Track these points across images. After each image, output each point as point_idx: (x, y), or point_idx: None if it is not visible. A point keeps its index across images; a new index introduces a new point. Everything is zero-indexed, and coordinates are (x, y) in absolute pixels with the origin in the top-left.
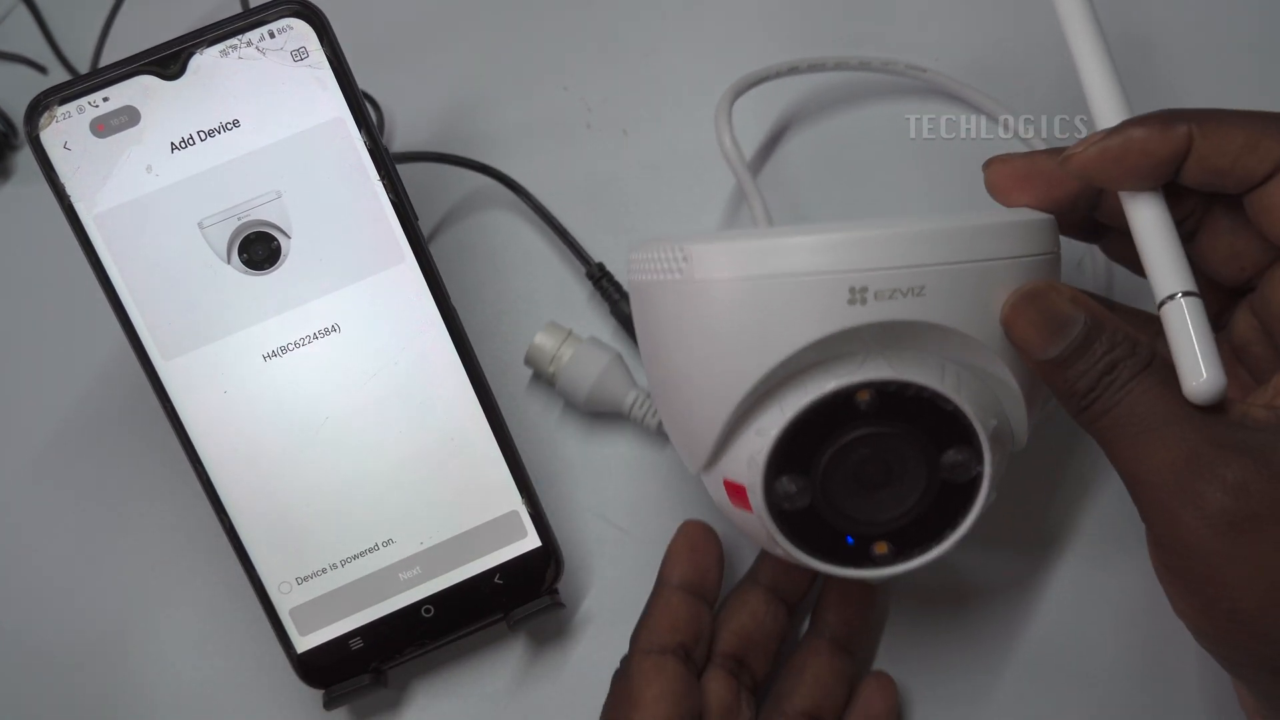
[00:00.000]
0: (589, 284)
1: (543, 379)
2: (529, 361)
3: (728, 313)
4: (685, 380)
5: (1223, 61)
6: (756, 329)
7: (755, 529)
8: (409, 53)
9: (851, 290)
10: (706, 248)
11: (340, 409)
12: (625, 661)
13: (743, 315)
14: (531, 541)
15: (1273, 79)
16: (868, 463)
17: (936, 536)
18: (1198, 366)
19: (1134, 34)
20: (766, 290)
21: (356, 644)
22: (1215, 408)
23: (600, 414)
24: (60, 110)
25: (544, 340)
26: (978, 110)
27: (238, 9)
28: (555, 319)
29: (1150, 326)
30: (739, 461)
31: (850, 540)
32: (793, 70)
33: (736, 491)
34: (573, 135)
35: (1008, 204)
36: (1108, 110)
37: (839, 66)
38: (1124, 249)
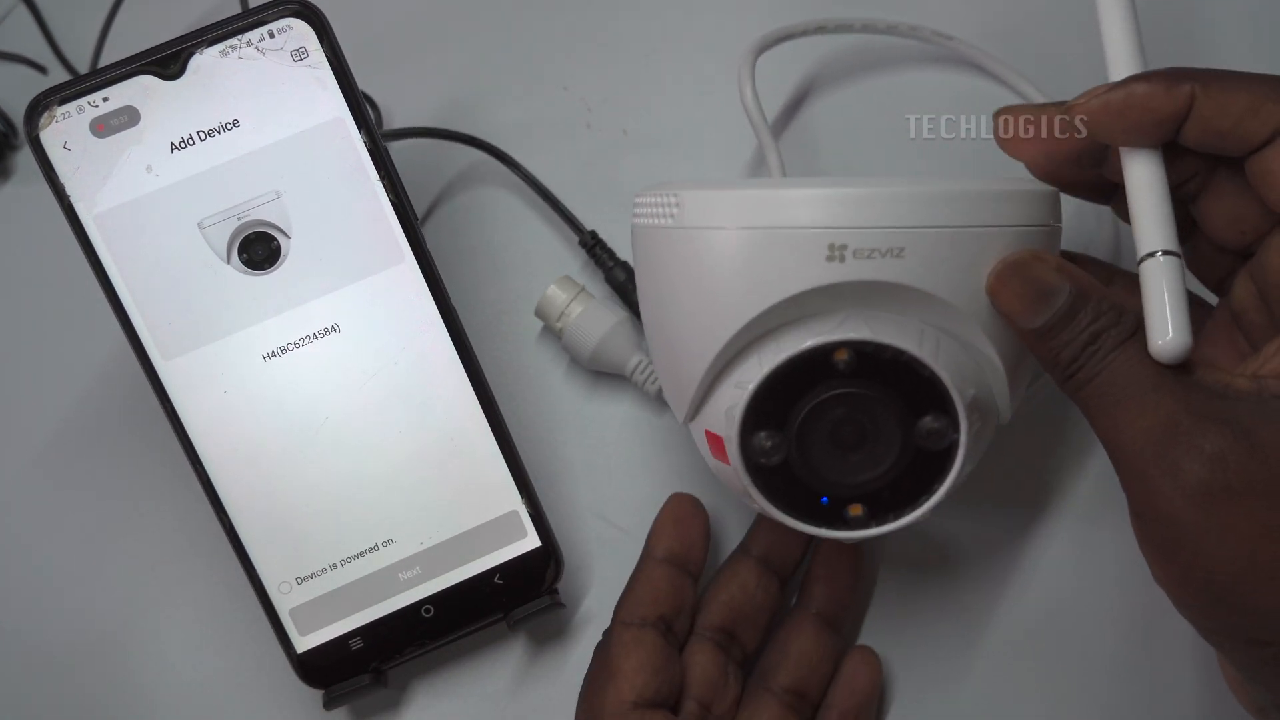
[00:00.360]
0: (582, 254)
1: (551, 333)
2: (539, 313)
3: (712, 262)
4: (672, 327)
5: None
6: (738, 280)
7: (734, 482)
8: (408, 52)
9: (830, 247)
10: (698, 194)
11: (340, 409)
12: (607, 633)
13: (726, 265)
14: (531, 541)
15: None
16: (843, 423)
17: (911, 502)
18: (1165, 324)
19: None
20: (750, 242)
21: (356, 644)
22: (1198, 377)
23: (603, 373)
24: (60, 110)
25: (556, 292)
26: (1000, 81)
27: (237, 9)
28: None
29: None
30: (719, 414)
31: (825, 500)
32: (819, 29)
33: (716, 443)
34: (573, 135)
35: (1015, 155)
36: (1120, 62)
37: (866, 29)
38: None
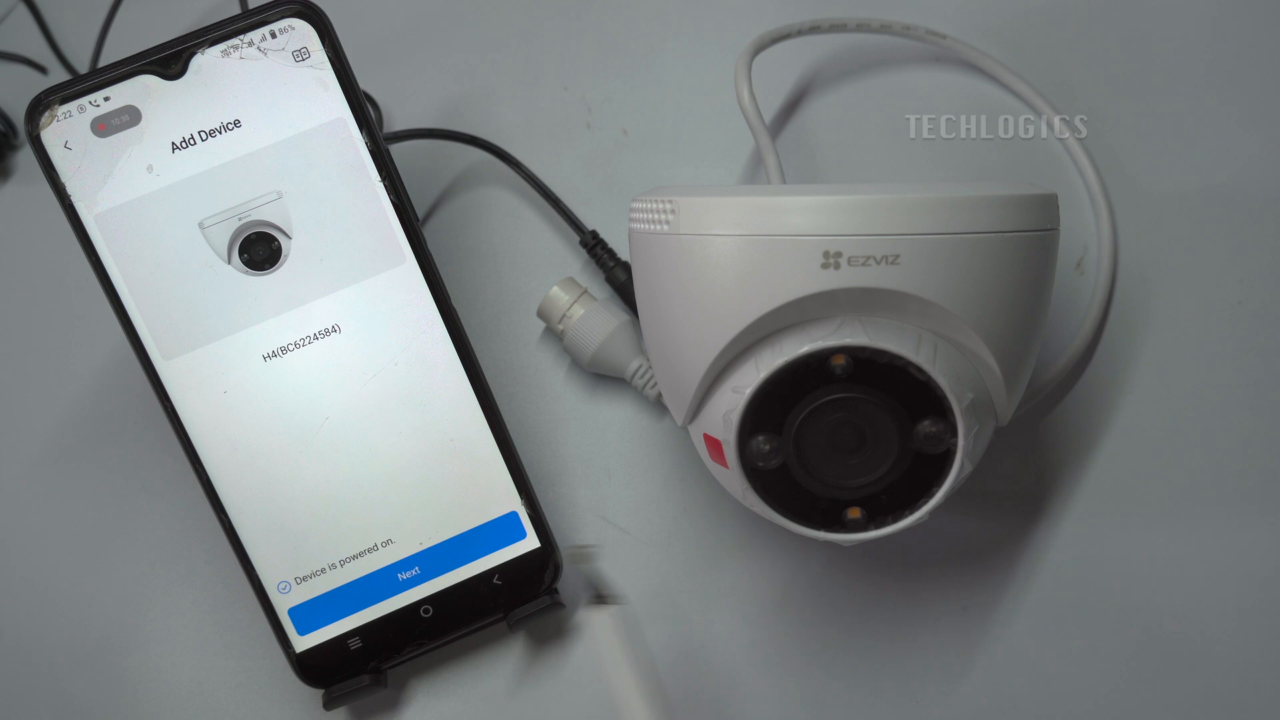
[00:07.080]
0: (583, 254)
1: (552, 334)
2: (541, 314)
3: (708, 268)
4: (669, 331)
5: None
6: (732, 287)
7: (733, 485)
8: (409, 52)
9: (825, 254)
10: (693, 201)
11: (340, 409)
12: None
13: (721, 272)
14: (531, 542)
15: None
16: (841, 427)
17: (909, 505)
18: None
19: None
20: (744, 249)
21: (356, 644)
22: None
23: (603, 376)
24: (61, 110)
25: (558, 294)
26: (992, 78)
27: (238, 9)
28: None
29: None
30: (717, 417)
31: (823, 504)
32: (814, 29)
33: (715, 446)
34: (573, 135)
35: None
36: None
37: (860, 28)
38: None
